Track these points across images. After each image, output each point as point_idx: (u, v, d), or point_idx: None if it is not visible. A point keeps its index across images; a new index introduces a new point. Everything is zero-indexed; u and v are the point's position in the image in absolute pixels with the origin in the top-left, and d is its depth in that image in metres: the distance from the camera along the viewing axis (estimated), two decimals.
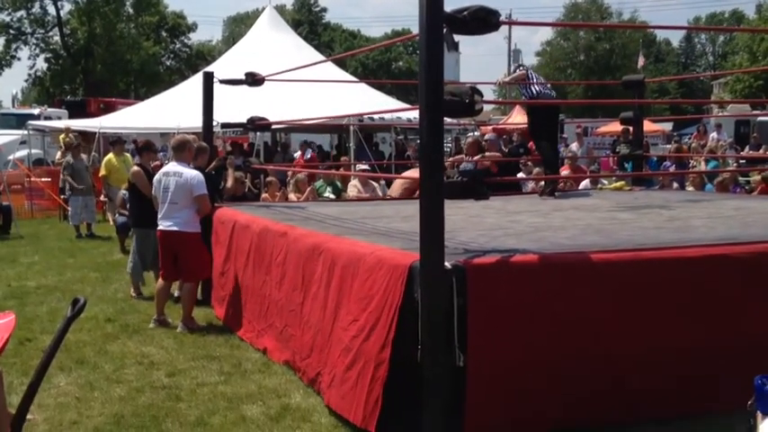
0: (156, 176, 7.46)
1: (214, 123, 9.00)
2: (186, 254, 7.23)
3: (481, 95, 4.64)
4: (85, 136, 18.39)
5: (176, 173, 7.22)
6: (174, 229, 7.15)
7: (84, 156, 14.86)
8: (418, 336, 4.25)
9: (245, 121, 9.43)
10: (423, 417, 4.22)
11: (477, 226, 6.29)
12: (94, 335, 6.95)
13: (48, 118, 25.06)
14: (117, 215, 12.56)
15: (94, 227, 14.28)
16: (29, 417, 4.70)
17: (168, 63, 55.07)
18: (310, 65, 12.18)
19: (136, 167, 8.90)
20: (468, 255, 4.52)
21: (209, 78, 8.81)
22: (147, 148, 9.35)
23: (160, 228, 7.29)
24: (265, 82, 9.09)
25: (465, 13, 4.51)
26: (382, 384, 4.27)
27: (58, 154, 17.80)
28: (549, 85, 9.10)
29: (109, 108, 26.31)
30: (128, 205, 9.48)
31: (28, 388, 3.19)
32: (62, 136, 17.68)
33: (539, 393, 4.33)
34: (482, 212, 7.27)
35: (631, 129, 11.33)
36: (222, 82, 8.69)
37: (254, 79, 8.82)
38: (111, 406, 5.17)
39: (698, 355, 4.63)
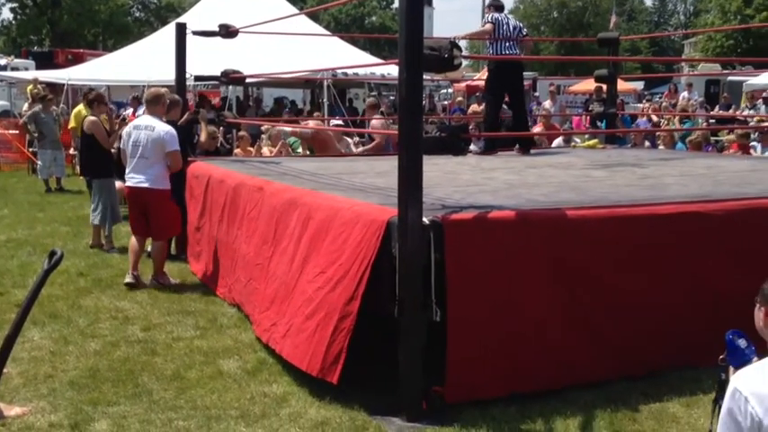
0: (126, 129, 7.30)
1: (187, 76, 8.85)
2: (156, 211, 7.08)
3: (460, 50, 4.63)
4: (53, 88, 18.03)
5: (148, 126, 7.00)
6: (145, 185, 6.97)
7: (53, 108, 14.57)
8: (395, 291, 4.29)
9: (217, 74, 9.33)
10: (400, 371, 4.26)
11: (452, 182, 6.29)
12: (67, 289, 6.90)
13: (14, 69, 24.55)
14: None
15: (64, 181, 14.08)
16: (5, 370, 4.73)
17: (137, 15, 53.98)
18: (283, 17, 11.99)
19: (91, 117, 8.81)
20: (445, 210, 4.53)
21: (181, 30, 8.65)
22: (98, 100, 9.24)
23: (129, 184, 7.10)
24: (239, 35, 8.93)
25: None
26: (347, 336, 4.29)
27: (26, 105, 17.44)
28: (514, 43, 8.74)
29: (77, 59, 25.80)
30: (80, 156, 9.25)
31: (5, 341, 3.18)
32: (30, 87, 17.34)
33: (519, 349, 4.38)
34: (457, 168, 7.27)
35: (605, 87, 11.40)
36: (195, 33, 8.54)
37: (227, 31, 8.67)
38: (86, 360, 5.16)
39: (669, 312, 4.72)
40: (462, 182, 6.43)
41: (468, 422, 4.12)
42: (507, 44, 8.49)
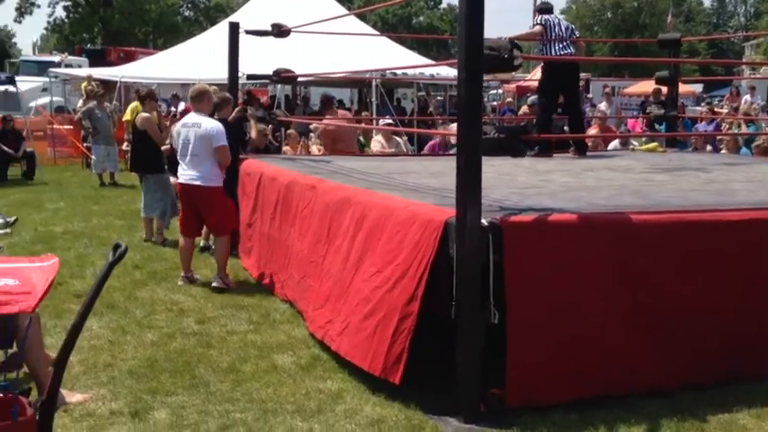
0: (175, 128, 7.28)
1: (239, 75, 8.91)
2: (210, 207, 6.99)
3: (521, 50, 4.58)
4: (106, 85, 18.35)
5: (195, 124, 6.93)
6: (198, 183, 6.88)
7: (107, 104, 14.83)
8: (452, 292, 4.26)
9: (268, 72, 9.44)
10: (457, 373, 4.24)
11: (508, 184, 6.24)
12: (123, 281, 7.01)
13: (68, 66, 25.04)
14: None
15: (117, 176, 14.31)
16: None
17: (186, 14, 54.67)
18: (333, 18, 12.06)
19: (144, 114, 9.05)
20: (504, 212, 4.48)
21: (234, 29, 8.72)
22: (150, 96, 9.44)
23: (181, 181, 7.04)
24: (290, 34, 8.98)
25: None
26: (408, 337, 4.27)
27: (80, 102, 17.79)
28: (568, 43, 8.55)
29: (129, 57, 26.23)
30: (132, 152, 9.37)
31: (70, 330, 3.21)
32: (84, 84, 17.68)
33: (581, 354, 4.31)
34: (512, 170, 7.21)
35: (663, 89, 11.17)
36: (248, 32, 8.62)
37: (280, 30, 8.73)
38: (144, 350, 5.24)
39: (736, 320, 4.61)
40: (519, 184, 6.38)
41: (528, 426, 4.06)
42: (560, 45, 8.35)
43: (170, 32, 47.63)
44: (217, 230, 7.19)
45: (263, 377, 4.78)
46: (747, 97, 20.76)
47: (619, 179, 6.91)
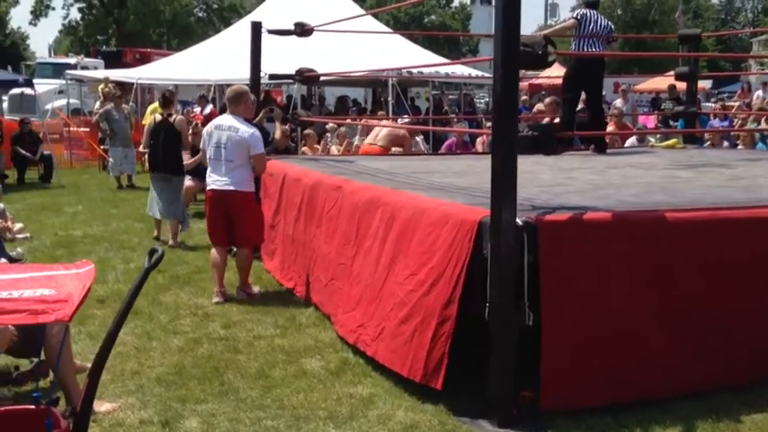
0: (206, 129, 6.90)
1: (261, 75, 8.85)
2: (241, 215, 6.61)
3: (554, 46, 4.50)
4: (123, 86, 18.35)
5: (231, 127, 6.55)
6: (231, 188, 6.50)
7: (124, 106, 14.83)
8: (485, 293, 4.18)
9: (287, 72, 9.39)
10: (490, 375, 4.16)
11: (534, 182, 6.13)
12: (146, 285, 6.76)
13: (84, 68, 25.06)
14: None
15: (135, 178, 14.30)
16: (89, 366, 4.75)
17: (200, 15, 54.72)
18: (351, 18, 11.99)
19: (181, 116, 8.98)
20: (537, 211, 4.39)
21: (257, 28, 8.66)
22: (170, 100, 9.52)
23: (212, 187, 6.64)
24: (312, 33, 8.92)
25: None
26: (448, 341, 4.19)
27: (97, 104, 17.78)
28: (602, 41, 8.43)
29: (144, 59, 26.26)
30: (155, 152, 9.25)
31: (106, 338, 3.15)
32: (101, 86, 17.66)
33: (616, 357, 4.21)
34: (535, 168, 7.11)
35: (677, 85, 11.05)
36: (271, 32, 8.54)
37: (302, 30, 8.67)
38: (171, 356, 5.17)
39: None
40: (544, 182, 6.28)
41: (563, 430, 3.99)
42: (591, 41, 8.20)
43: (184, 33, 47.58)
44: (243, 240, 6.74)
45: (293, 383, 4.70)
46: (760, 92, 20.61)
47: (644, 176, 6.82)
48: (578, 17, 8.21)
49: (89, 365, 4.71)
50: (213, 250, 6.78)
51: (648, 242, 4.32)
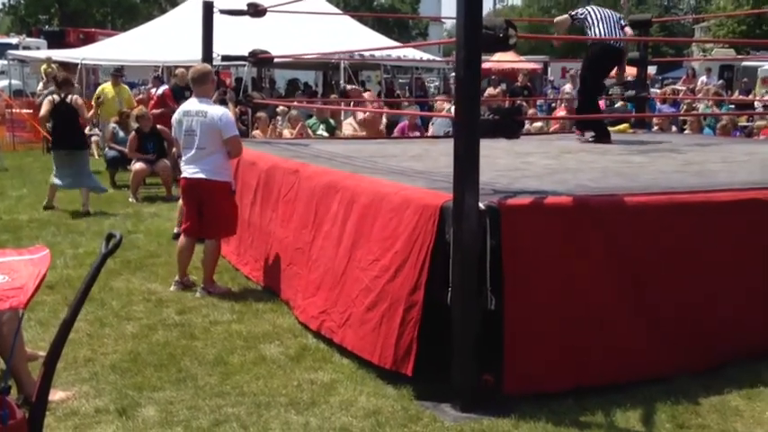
0: (175, 116, 6.46)
1: (214, 56, 8.67)
2: (215, 205, 6.22)
3: (516, 29, 4.46)
4: (66, 67, 17.87)
5: (199, 112, 6.15)
6: (202, 176, 6.14)
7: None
8: (447, 277, 4.16)
9: (237, 54, 9.27)
10: (452, 359, 4.15)
11: (491, 167, 6.12)
12: None
13: (26, 48, 24.33)
14: (107, 149, 12.31)
15: None
16: (40, 354, 4.62)
17: None
18: None
19: (76, 96, 10.03)
20: (498, 196, 4.39)
21: (208, 8, 8.45)
22: (67, 81, 10.17)
23: (184, 175, 6.31)
24: (266, 13, 8.77)
25: None
26: (416, 327, 4.17)
27: (40, 85, 17.32)
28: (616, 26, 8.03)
29: (89, 39, 25.62)
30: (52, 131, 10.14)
31: (62, 326, 3.04)
32: (44, 66, 17.19)
33: (580, 341, 4.23)
34: (491, 153, 7.10)
35: (626, 70, 11.10)
36: (223, 12, 8.36)
37: (255, 10, 8.50)
38: (125, 343, 5.05)
39: (732, 300, 4.59)
40: (501, 166, 6.28)
41: (526, 414, 3.98)
42: (606, 27, 7.94)
43: (129, 13, 46.58)
44: (212, 231, 6.33)
45: (252, 369, 4.63)
46: (704, 78, 21.04)
47: (599, 161, 6.86)
48: (578, 15, 8.09)
49: (40, 353, 4.62)
50: (182, 238, 6.51)
51: (610, 226, 4.34)
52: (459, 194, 4.06)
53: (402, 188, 4.77)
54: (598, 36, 7.95)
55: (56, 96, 9.85)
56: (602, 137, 8.40)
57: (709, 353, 4.51)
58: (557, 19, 8.41)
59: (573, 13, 8.27)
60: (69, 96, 9.76)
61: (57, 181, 9.75)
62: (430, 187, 4.74)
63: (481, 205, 4.11)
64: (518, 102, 14.32)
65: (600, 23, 7.97)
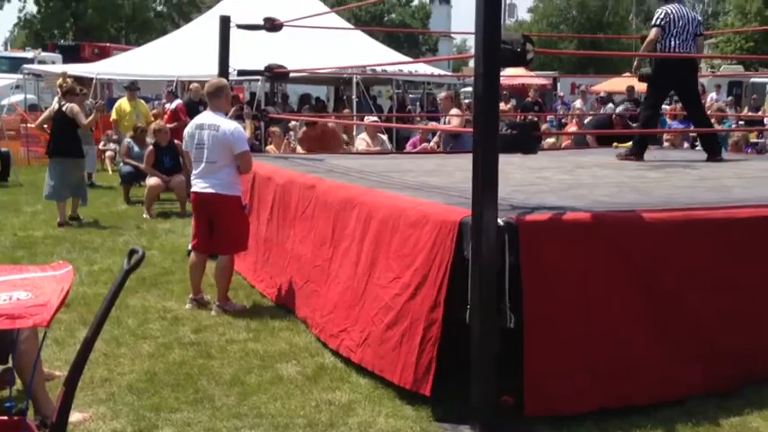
0: (188, 129, 6.42)
1: (230, 70, 8.67)
2: (225, 220, 6.16)
3: (533, 44, 4.43)
4: (81, 81, 17.96)
5: (212, 125, 6.09)
6: (211, 191, 6.07)
7: (85, 102, 14.51)
8: (465, 295, 4.12)
9: (253, 68, 9.27)
10: (471, 380, 4.09)
11: (506, 181, 6.06)
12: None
13: (42, 62, 24.52)
14: (122, 164, 12.35)
15: (95, 176, 14.00)
16: (57, 373, 4.60)
17: (159, 9, 53.92)
18: (317, 14, 11.88)
19: (71, 104, 9.96)
20: (516, 211, 4.35)
21: (225, 23, 8.46)
22: (70, 92, 10.27)
23: (194, 189, 6.24)
24: (282, 28, 8.78)
25: None
26: (435, 346, 4.12)
27: (55, 100, 17.36)
28: (691, 39, 7.57)
29: (103, 53, 25.79)
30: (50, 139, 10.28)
31: (83, 344, 3.02)
32: (59, 81, 17.23)
33: (601, 361, 4.16)
34: (504, 168, 7.01)
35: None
36: (240, 27, 8.37)
37: (272, 24, 8.52)
38: (141, 363, 5.02)
39: (751, 319, 4.52)
40: (517, 181, 6.24)
41: None
42: (679, 41, 7.50)
43: (143, 28, 46.86)
44: (222, 246, 6.28)
45: (270, 389, 4.59)
46: (713, 95, 20.99)
47: (613, 176, 6.83)
48: (661, 23, 7.52)
49: (56, 372, 4.60)
50: (193, 254, 6.44)
51: (628, 243, 4.29)
52: (478, 210, 4.03)
53: (419, 203, 4.74)
54: (660, 51, 7.55)
55: (56, 104, 10.15)
56: (637, 155, 8.08)
57: (728, 373, 4.43)
58: (651, 37, 7.64)
59: (658, 22, 7.56)
60: (66, 105, 9.92)
61: (49, 197, 10.02)
62: (447, 203, 4.71)
63: (500, 221, 4.08)
64: (530, 117, 14.33)
65: (671, 38, 7.52)
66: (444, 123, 11.99)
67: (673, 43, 7.52)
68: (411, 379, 4.21)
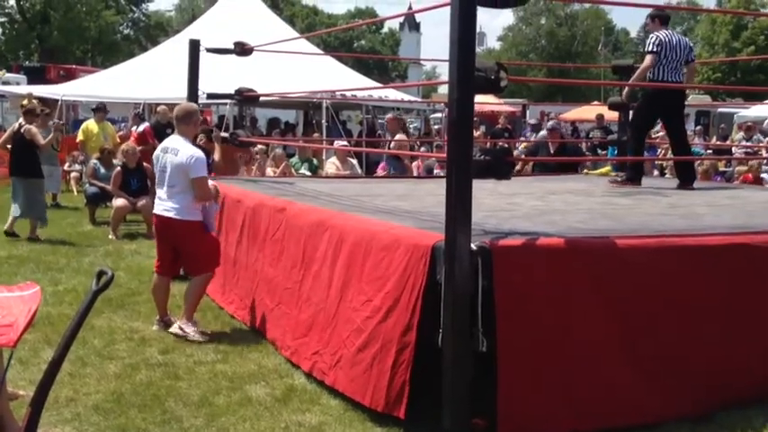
0: (155, 153, 6.38)
1: (200, 94, 8.65)
2: (186, 244, 6.13)
3: (507, 72, 4.49)
4: (46, 103, 17.78)
5: (173, 149, 6.07)
6: (171, 215, 6.02)
7: (50, 123, 14.35)
8: (438, 319, 4.12)
9: (222, 92, 9.28)
10: (444, 404, 4.08)
11: (478, 207, 6.09)
12: (77, 308, 6.63)
13: (6, 83, 24.23)
14: (87, 185, 12.21)
15: (59, 197, 13.84)
16: (20, 393, 4.51)
17: (126, 32, 53.72)
18: (287, 39, 11.97)
19: (28, 125, 10.30)
20: (489, 236, 4.38)
21: (195, 46, 8.47)
22: (31, 113, 10.72)
23: (155, 212, 6.23)
24: (252, 53, 8.81)
25: None
26: (408, 369, 4.11)
27: (21, 121, 17.16)
28: (678, 66, 7.60)
29: (69, 75, 25.56)
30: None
31: (50, 365, 2.99)
32: (24, 102, 17.06)
33: (573, 384, 4.17)
34: (476, 193, 7.08)
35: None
36: (210, 51, 8.38)
37: (242, 49, 8.53)
38: (108, 383, 4.94)
39: (721, 345, 4.57)
40: (488, 207, 6.27)
41: None
42: (669, 68, 7.52)
43: (109, 50, 46.66)
44: (192, 268, 6.33)
45: (238, 411, 4.54)
46: None
47: (584, 202, 6.90)
48: (656, 49, 7.47)
49: (20, 392, 4.51)
50: (155, 276, 6.37)
51: (601, 269, 4.32)
52: (452, 235, 4.04)
53: (391, 227, 4.75)
54: (650, 79, 7.55)
55: (16, 125, 10.57)
56: (634, 180, 8.16)
57: (701, 398, 4.46)
58: (646, 63, 7.59)
59: (653, 48, 7.51)
60: (24, 126, 10.25)
61: (13, 211, 10.24)
62: (419, 227, 4.73)
63: (473, 246, 4.10)
64: (500, 143, 14.46)
65: (661, 66, 7.53)
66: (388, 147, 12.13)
67: (663, 71, 7.53)
68: (383, 402, 4.19)
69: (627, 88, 8.13)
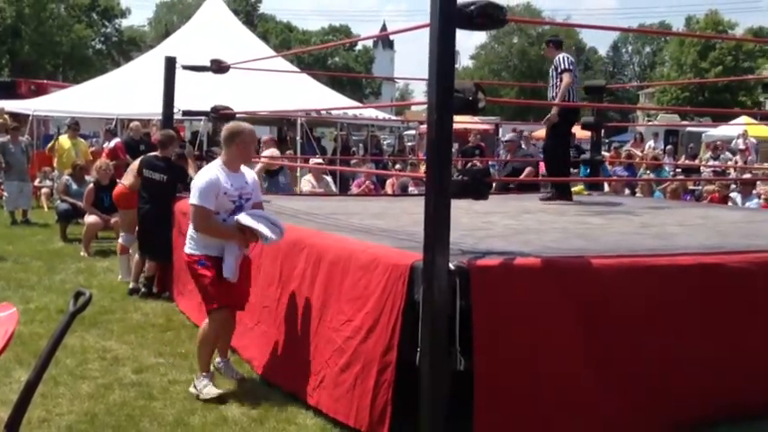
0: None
1: (175, 111, 8.62)
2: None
3: (485, 93, 4.54)
4: (17, 118, 17.61)
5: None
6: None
7: (21, 138, 14.22)
8: (417, 338, 4.13)
9: (197, 109, 9.27)
10: (420, 421, 4.09)
11: (455, 226, 6.09)
12: (48, 327, 6.57)
13: None
14: (59, 202, 12.08)
15: (30, 213, 13.67)
16: None
17: (98, 47, 53.41)
18: (264, 58, 11.96)
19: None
20: (467, 256, 4.40)
21: (171, 63, 8.45)
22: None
23: None
24: (229, 70, 8.80)
25: (472, 7, 4.39)
26: (390, 389, 4.12)
27: None
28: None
29: (40, 90, 25.30)
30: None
31: (25, 387, 2.93)
32: None
33: (551, 404, 4.20)
34: (452, 212, 7.14)
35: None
36: (186, 68, 8.36)
37: (219, 66, 8.52)
38: (81, 403, 4.88)
39: (696, 363, 4.63)
40: (464, 226, 6.29)
41: None
42: (575, 86, 8.13)
43: (81, 65, 46.37)
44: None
45: (214, 431, 4.51)
46: (651, 143, 21.73)
47: (558, 221, 6.95)
48: (570, 67, 8.03)
49: None
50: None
51: (576, 288, 4.36)
52: (430, 254, 4.06)
53: (369, 246, 4.76)
54: (571, 97, 8.04)
55: None
56: (564, 195, 8.49)
57: (675, 417, 4.51)
58: (567, 80, 8.00)
59: (570, 66, 8.06)
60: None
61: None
62: (397, 246, 4.74)
63: (451, 265, 4.12)
64: (472, 161, 14.54)
65: (572, 87, 8.09)
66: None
67: (573, 89, 8.11)
68: (366, 421, 4.20)
69: (554, 108, 8.27)
